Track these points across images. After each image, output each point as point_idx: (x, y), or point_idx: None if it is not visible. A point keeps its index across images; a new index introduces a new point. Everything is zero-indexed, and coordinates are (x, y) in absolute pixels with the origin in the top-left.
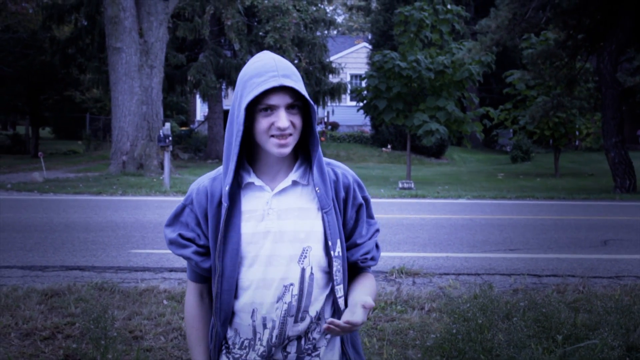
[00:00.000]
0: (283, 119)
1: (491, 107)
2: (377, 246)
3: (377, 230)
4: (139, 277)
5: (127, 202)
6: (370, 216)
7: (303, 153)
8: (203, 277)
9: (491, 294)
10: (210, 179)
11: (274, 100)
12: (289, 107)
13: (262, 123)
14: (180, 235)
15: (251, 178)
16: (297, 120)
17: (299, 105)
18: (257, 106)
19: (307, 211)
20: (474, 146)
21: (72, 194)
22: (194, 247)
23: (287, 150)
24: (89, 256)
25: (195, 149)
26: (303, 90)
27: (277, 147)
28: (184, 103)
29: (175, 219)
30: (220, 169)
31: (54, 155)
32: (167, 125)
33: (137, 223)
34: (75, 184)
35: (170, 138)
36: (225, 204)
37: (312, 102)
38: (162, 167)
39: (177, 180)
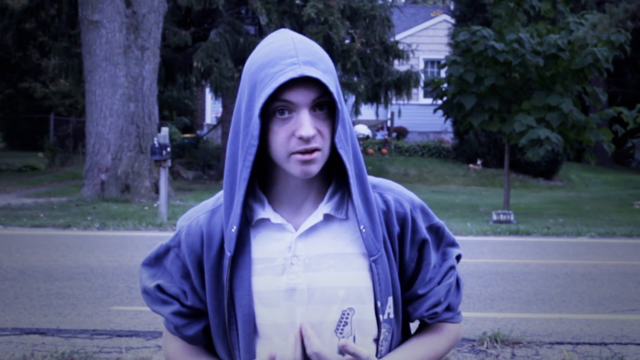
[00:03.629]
0: (306, 125)
1: (625, 106)
2: (457, 285)
3: (452, 268)
4: (124, 345)
5: (107, 239)
6: (449, 243)
7: (338, 173)
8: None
9: None
10: (207, 213)
11: (293, 96)
12: (314, 107)
13: (278, 133)
14: (159, 288)
15: (266, 212)
16: (326, 127)
17: (328, 103)
18: (269, 107)
19: (348, 258)
20: (600, 162)
21: (29, 227)
22: (175, 306)
23: (314, 169)
24: (52, 315)
25: (204, 164)
26: (331, 84)
27: (299, 166)
28: (189, 100)
29: (157, 261)
30: (221, 196)
31: (3, 172)
32: (165, 130)
33: (121, 269)
34: (34, 212)
35: (169, 149)
36: (229, 253)
37: (339, 99)
38: (156, 189)
39: (177, 208)
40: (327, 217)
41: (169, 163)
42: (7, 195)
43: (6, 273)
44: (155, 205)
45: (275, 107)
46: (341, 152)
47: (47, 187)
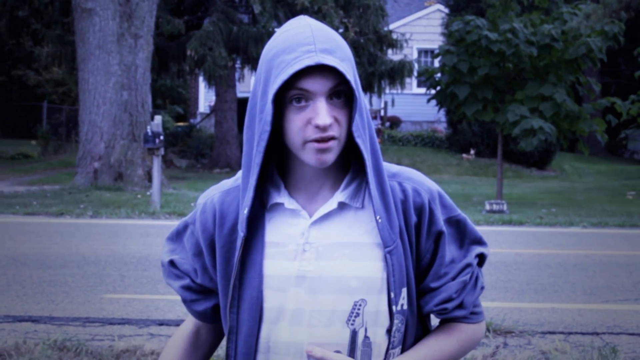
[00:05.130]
0: (322, 114)
1: (618, 97)
2: (476, 282)
3: (469, 265)
4: (116, 333)
5: (100, 227)
6: (474, 240)
7: (356, 162)
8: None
9: None
10: (222, 192)
11: (310, 84)
12: (331, 96)
13: (294, 121)
14: (172, 264)
15: (281, 197)
16: (343, 116)
17: (345, 91)
18: (286, 95)
19: (362, 248)
20: (593, 152)
21: (22, 215)
22: (186, 281)
23: (329, 158)
24: (45, 302)
25: (197, 153)
26: (348, 73)
27: (314, 154)
28: (182, 88)
29: (177, 236)
30: (240, 177)
31: None
32: (158, 119)
33: (114, 257)
34: (27, 200)
35: (162, 137)
36: (241, 234)
37: (357, 90)
38: (149, 178)
39: (170, 197)
40: (342, 206)
41: (162, 151)
42: (0, 183)
43: None
44: (148, 193)
45: (291, 95)
46: (358, 140)
47: (40, 175)
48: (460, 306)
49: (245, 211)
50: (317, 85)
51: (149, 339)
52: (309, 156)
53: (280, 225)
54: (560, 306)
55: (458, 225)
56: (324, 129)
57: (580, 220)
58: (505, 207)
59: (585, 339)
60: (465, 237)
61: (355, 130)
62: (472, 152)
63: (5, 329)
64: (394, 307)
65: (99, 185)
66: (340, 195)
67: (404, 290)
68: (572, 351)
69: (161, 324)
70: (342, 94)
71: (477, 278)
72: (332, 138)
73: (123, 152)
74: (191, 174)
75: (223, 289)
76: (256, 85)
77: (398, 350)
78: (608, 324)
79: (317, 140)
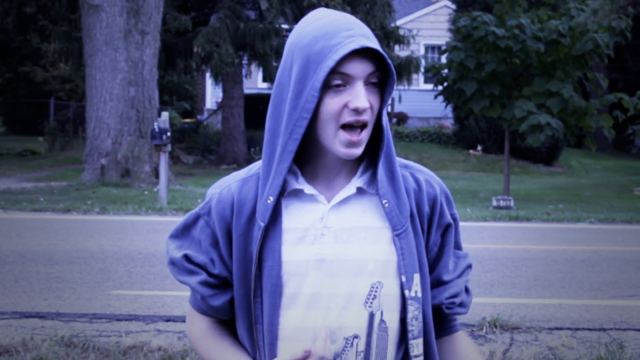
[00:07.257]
0: (362, 97)
1: (625, 93)
2: (466, 289)
3: (469, 267)
4: (123, 329)
5: (107, 223)
6: (458, 245)
7: (371, 151)
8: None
9: (623, 358)
10: (239, 182)
11: (351, 69)
12: (367, 82)
13: (330, 104)
14: (187, 258)
15: (299, 183)
16: (376, 102)
17: (379, 77)
18: (322, 80)
19: (378, 232)
20: (600, 148)
21: (29, 212)
22: (202, 276)
23: (359, 151)
24: (52, 298)
25: (204, 149)
26: (387, 57)
27: (345, 147)
28: (189, 85)
29: (184, 231)
30: (255, 167)
31: (4, 156)
32: (165, 115)
33: (121, 253)
34: (34, 197)
35: (169, 134)
36: (262, 224)
37: (394, 73)
38: (156, 174)
39: (177, 193)
40: (360, 191)
41: (169, 148)
42: (7, 180)
43: (6, 257)
44: (155, 189)
45: (331, 79)
46: (384, 124)
47: (47, 172)
48: (462, 305)
49: (270, 200)
50: (358, 69)
51: (156, 335)
52: (338, 147)
53: (299, 211)
54: (568, 302)
55: (455, 222)
56: (361, 112)
57: (588, 216)
58: (512, 203)
59: (592, 335)
60: (456, 236)
61: (384, 115)
62: (479, 148)
63: (12, 325)
64: (406, 292)
65: (106, 181)
66: (358, 181)
67: (417, 277)
68: (579, 347)
69: (168, 320)
70: (375, 80)
71: (467, 285)
72: (364, 125)
73: (130, 149)
74: (198, 171)
75: (240, 279)
76: (283, 73)
77: (420, 341)
78: (615, 319)
79: (352, 125)
